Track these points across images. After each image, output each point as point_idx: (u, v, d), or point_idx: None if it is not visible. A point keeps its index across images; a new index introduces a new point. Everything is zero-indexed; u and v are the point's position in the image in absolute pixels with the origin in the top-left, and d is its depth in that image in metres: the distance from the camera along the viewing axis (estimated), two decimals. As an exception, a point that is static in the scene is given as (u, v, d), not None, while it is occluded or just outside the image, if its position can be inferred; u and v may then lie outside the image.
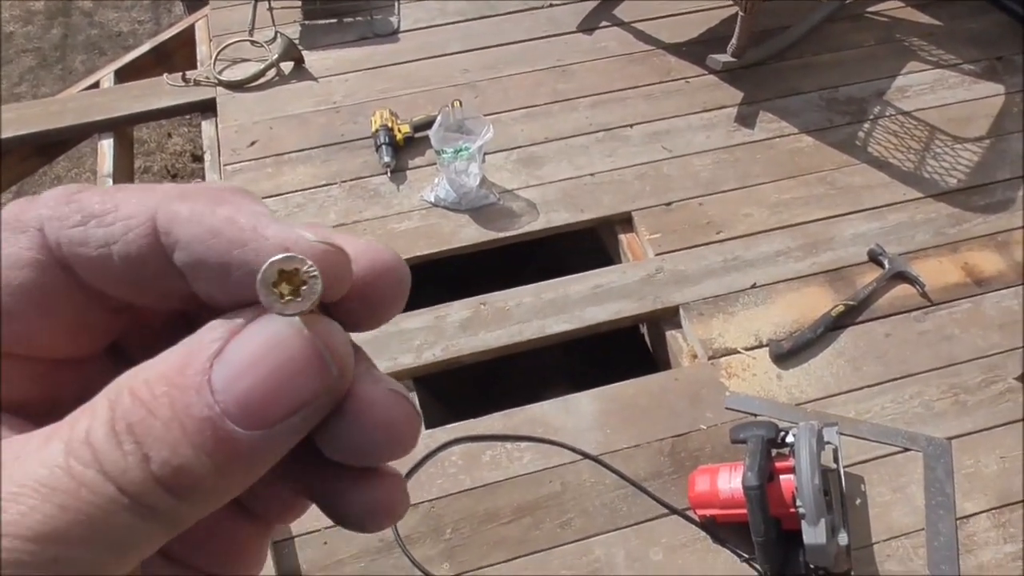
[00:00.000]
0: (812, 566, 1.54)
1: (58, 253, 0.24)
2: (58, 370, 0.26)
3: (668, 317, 2.10)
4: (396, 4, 3.00)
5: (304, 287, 0.22)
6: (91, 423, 0.21)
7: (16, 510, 0.20)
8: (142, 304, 0.25)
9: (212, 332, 0.22)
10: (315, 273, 0.22)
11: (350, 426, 0.23)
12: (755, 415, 1.83)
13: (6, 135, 2.63)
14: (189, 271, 0.23)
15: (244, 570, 0.27)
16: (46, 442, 0.21)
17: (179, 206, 0.23)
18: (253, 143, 2.54)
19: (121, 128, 2.71)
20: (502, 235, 2.28)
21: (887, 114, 2.58)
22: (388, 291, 0.25)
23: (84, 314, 0.25)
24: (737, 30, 2.54)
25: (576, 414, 1.88)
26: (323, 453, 0.24)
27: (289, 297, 0.22)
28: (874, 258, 2.13)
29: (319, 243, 0.23)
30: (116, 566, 0.21)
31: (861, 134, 2.52)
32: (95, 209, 0.24)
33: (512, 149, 2.50)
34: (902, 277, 2.08)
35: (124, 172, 2.63)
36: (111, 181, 2.47)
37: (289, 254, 0.22)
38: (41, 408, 0.26)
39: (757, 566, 1.61)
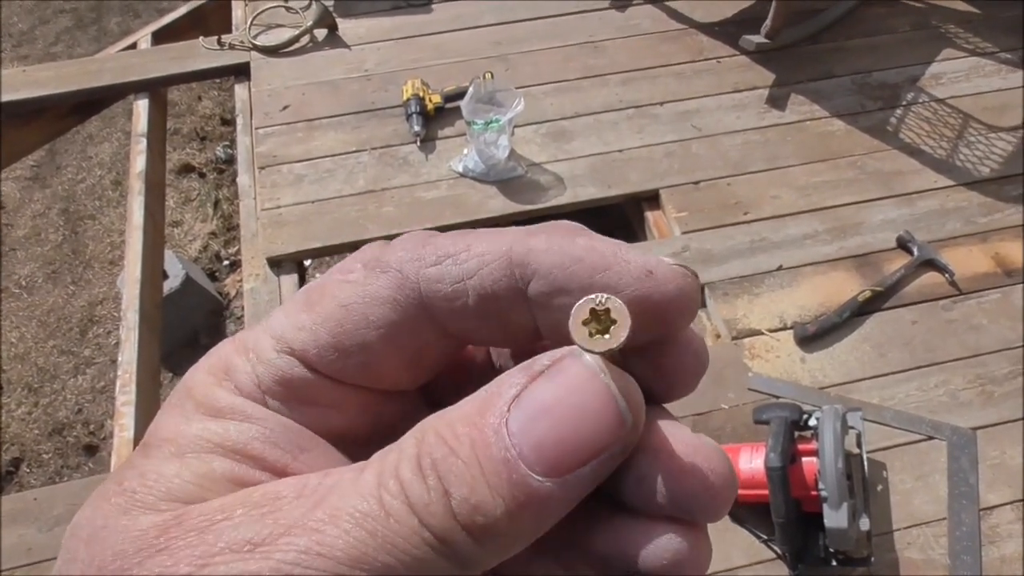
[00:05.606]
0: (832, 549, 1.54)
1: (415, 292, 0.25)
2: (383, 402, 0.28)
3: (693, 296, 2.09)
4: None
5: (614, 326, 0.22)
6: (399, 457, 0.22)
7: (333, 532, 0.21)
8: (480, 339, 0.27)
9: (511, 377, 0.23)
10: (627, 317, 0.22)
11: (665, 469, 0.24)
12: (778, 397, 1.84)
13: (45, 93, 2.65)
14: (545, 300, 0.24)
15: None
16: (360, 474, 0.22)
17: (534, 240, 0.25)
18: (285, 107, 2.55)
19: (156, 89, 2.72)
20: (529, 208, 2.28)
21: (920, 101, 2.55)
22: (689, 362, 0.26)
23: (424, 350, 0.27)
24: (772, 11, 2.51)
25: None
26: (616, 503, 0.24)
27: (597, 335, 0.22)
28: (903, 245, 2.12)
29: (678, 266, 0.24)
30: None
31: (893, 120, 2.50)
32: (449, 250, 0.25)
33: (541, 123, 2.50)
34: (931, 265, 2.07)
35: (158, 132, 2.65)
36: (145, 141, 2.49)
37: (604, 295, 0.22)
38: (359, 438, 0.27)
39: (776, 547, 1.62)
